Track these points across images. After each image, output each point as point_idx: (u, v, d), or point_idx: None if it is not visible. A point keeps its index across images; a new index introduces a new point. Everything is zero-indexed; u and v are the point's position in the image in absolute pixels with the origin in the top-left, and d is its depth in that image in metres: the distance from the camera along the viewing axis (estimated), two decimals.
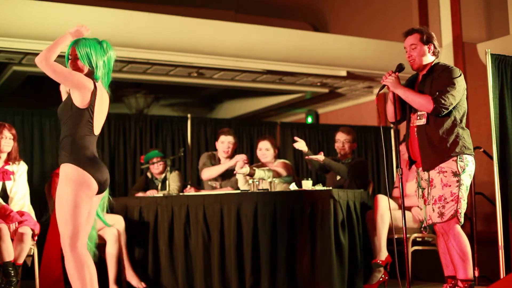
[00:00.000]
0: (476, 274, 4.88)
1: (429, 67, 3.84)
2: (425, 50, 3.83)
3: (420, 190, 3.90)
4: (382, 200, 4.77)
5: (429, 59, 3.84)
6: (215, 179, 5.62)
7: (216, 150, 5.80)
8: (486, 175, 5.25)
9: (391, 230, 4.84)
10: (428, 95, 3.72)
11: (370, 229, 4.84)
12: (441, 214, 3.70)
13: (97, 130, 3.28)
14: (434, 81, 3.75)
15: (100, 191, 3.25)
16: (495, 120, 4.37)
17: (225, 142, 5.58)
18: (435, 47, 3.86)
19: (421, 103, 3.71)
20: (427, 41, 3.84)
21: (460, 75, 3.77)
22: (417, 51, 3.83)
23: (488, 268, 5.04)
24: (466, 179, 3.71)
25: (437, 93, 3.67)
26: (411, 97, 3.76)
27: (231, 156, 5.58)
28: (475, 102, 6.64)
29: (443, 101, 3.65)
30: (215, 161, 5.67)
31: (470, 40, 7.59)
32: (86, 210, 3.18)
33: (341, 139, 5.44)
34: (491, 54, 4.41)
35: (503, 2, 7.40)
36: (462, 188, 3.69)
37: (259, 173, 5.06)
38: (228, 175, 5.60)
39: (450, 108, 3.69)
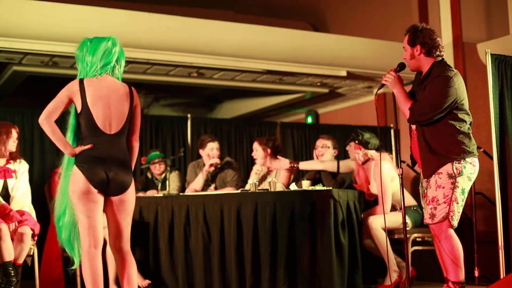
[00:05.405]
0: (476, 274, 4.88)
1: (428, 67, 3.71)
2: (412, 53, 3.72)
3: (421, 190, 3.89)
4: (373, 222, 4.73)
5: (422, 60, 3.72)
6: (206, 185, 5.74)
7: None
8: (486, 175, 5.25)
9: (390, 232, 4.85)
10: (411, 102, 3.66)
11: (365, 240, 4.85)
12: (432, 216, 3.64)
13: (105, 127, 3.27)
14: (427, 87, 3.65)
15: (101, 190, 3.25)
16: (495, 120, 4.37)
17: (214, 149, 5.76)
18: (425, 47, 3.68)
19: (403, 109, 3.69)
20: (413, 43, 3.71)
21: (452, 84, 3.58)
22: (406, 53, 3.76)
23: (488, 268, 5.04)
24: (463, 182, 3.62)
25: (417, 103, 3.61)
26: (399, 100, 3.72)
27: (221, 159, 5.80)
28: (475, 102, 6.64)
29: (418, 113, 3.59)
30: (200, 169, 5.82)
31: (470, 40, 7.58)
32: (85, 209, 3.23)
33: (320, 145, 5.46)
34: (491, 54, 4.41)
35: (503, 2, 7.39)
36: (457, 191, 3.60)
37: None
38: (214, 177, 5.79)
39: (432, 118, 3.59)
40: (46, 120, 3.20)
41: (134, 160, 3.45)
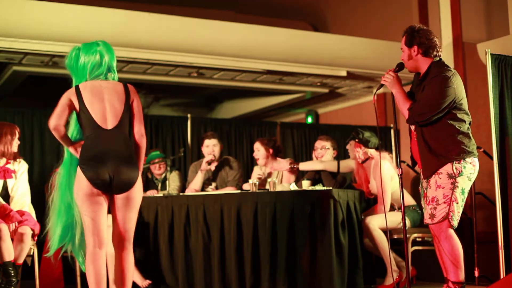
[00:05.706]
0: (476, 274, 4.88)
1: (426, 67, 3.70)
2: (409, 53, 3.71)
3: (421, 190, 3.88)
4: (371, 222, 4.73)
5: (419, 61, 3.70)
6: (207, 184, 5.73)
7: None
8: (486, 175, 5.25)
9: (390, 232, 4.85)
10: (410, 102, 3.65)
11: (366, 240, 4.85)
12: (432, 216, 3.62)
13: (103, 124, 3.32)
14: (425, 87, 3.64)
15: (104, 190, 3.26)
16: (495, 120, 4.37)
17: (209, 146, 5.75)
18: (422, 47, 3.67)
19: (402, 110, 3.69)
20: (410, 43, 3.70)
21: (450, 84, 3.57)
22: (404, 54, 3.75)
23: (488, 268, 5.04)
24: (463, 182, 3.60)
25: (416, 103, 3.61)
26: (398, 100, 3.71)
27: (219, 158, 5.78)
28: (475, 102, 6.64)
29: (417, 113, 3.59)
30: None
31: (470, 40, 7.58)
32: (90, 210, 3.25)
33: (319, 147, 5.46)
34: (491, 54, 4.41)
35: (503, 2, 7.39)
36: (457, 191, 3.58)
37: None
38: (214, 176, 5.78)
39: (431, 118, 3.58)
40: (57, 126, 3.28)
41: (141, 156, 3.43)
